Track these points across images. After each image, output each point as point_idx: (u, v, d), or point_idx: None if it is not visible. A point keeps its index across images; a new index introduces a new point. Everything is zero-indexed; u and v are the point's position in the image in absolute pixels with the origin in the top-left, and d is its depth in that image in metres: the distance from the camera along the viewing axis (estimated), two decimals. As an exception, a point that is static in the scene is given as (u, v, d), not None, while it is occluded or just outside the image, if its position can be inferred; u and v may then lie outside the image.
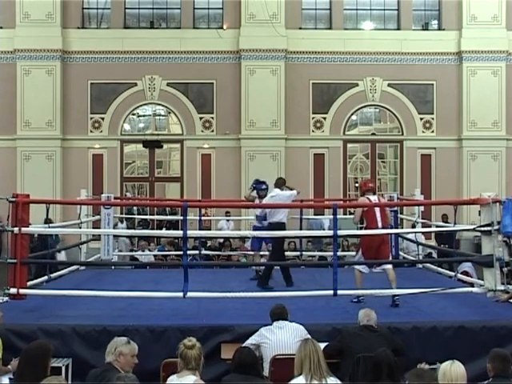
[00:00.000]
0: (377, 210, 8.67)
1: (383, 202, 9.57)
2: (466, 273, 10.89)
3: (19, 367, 4.90)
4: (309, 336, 6.07)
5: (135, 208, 17.63)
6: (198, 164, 19.60)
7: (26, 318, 7.36)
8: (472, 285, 9.26)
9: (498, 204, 7.70)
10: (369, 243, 8.59)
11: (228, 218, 16.76)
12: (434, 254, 14.69)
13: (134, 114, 20.12)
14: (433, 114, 19.87)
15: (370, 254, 8.52)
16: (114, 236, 12.89)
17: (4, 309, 6.86)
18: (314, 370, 4.96)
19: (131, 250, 14.96)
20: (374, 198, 8.98)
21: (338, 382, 5.08)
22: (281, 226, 9.91)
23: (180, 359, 4.94)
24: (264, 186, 11.04)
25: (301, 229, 12.95)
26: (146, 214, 18.18)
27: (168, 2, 20.29)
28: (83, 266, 11.75)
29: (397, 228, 12.29)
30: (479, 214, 7.98)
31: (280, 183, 10.62)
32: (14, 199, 7.69)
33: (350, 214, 11.28)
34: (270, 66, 19.32)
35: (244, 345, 6.18)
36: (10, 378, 5.57)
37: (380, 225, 8.63)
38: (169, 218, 17.05)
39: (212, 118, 19.71)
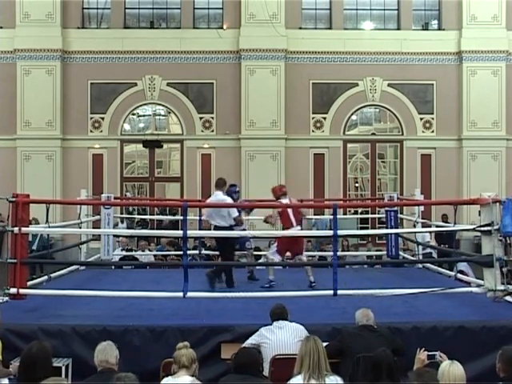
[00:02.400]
0: (289, 211, 9.77)
1: (295, 202, 10.42)
2: (461, 272, 10.90)
3: (21, 372, 4.86)
4: (309, 336, 6.06)
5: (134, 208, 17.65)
6: (198, 164, 19.61)
7: (25, 317, 7.36)
8: (469, 284, 9.27)
9: (498, 204, 7.71)
10: (283, 237, 9.91)
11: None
12: (434, 254, 14.69)
13: (134, 114, 20.12)
14: (433, 114, 19.88)
15: (284, 246, 9.75)
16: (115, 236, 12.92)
17: (4, 309, 6.85)
18: (313, 368, 4.94)
19: (130, 250, 14.96)
20: (285, 201, 9.93)
21: (339, 380, 5.05)
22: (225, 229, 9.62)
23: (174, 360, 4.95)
24: (237, 189, 10.69)
25: (301, 229, 12.91)
26: (146, 214, 18.18)
27: (168, 2, 20.29)
28: (83, 266, 11.75)
29: (397, 228, 12.30)
30: (479, 214, 7.98)
31: (220, 184, 10.08)
32: (14, 199, 7.69)
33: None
34: (269, 66, 19.32)
35: (244, 345, 6.18)
36: (9, 378, 5.56)
37: (294, 223, 9.80)
38: (169, 217, 17.04)
39: (212, 117, 19.71)
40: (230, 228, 9.65)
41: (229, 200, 9.80)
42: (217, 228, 9.76)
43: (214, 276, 9.45)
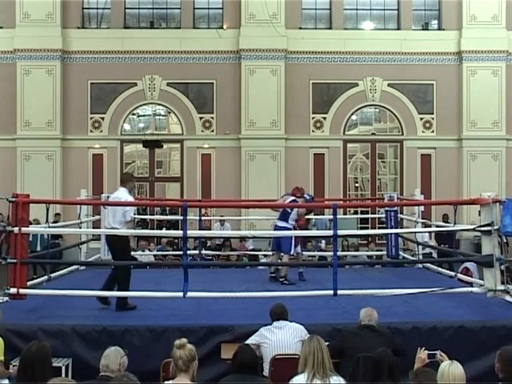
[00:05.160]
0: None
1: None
2: (466, 269, 10.89)
3: (20, 372, 4.85)
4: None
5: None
6: (198, 164, 19.61)
7: (26, 317, 7.36)
8: (471, 284, 9.27)
9: (498, 204, 7.71)
10: None
11: (221, 218, 16.65)
12: (434, 254, 14.70)
13: (134, 114, 20.12)
14: (433, 114, 19.88)
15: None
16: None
17: (4, 309, 6.84)
18: (317, 367, 4.95)
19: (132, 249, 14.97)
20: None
21: (342, 380, 5.07)
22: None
23: (172, 359, 4.88)
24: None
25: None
26: (146, 214, 18.17)
27: (168, 2, 20.29)
28: (83, 266, 11.75)
29: (397, 228, 12.30)
30: (479, 214, 7.98)
31: (124, 179, 8.73)
32: (14, 199, 7.69)
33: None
34: (270, 66, 19.32)
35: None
36: (9, 378, 5.56)
37: None
38: (169, 217, 17.04)
39: (212, 117, 19.71)
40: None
41: (130, 199, 8.51)
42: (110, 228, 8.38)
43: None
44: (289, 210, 10.38)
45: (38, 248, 14.95)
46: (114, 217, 8.18)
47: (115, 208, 8.20)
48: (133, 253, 14.40)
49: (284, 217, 10.44)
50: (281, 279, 10.29)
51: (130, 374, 4.50)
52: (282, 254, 10.51)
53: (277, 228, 10.49)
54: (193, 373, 4.80)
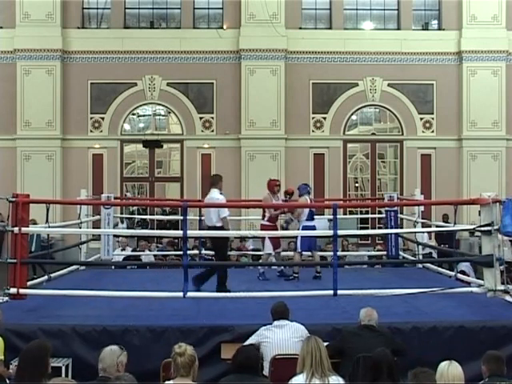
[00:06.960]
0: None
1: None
2: (463, 272, 10.91)
3: (19, 369, 4.85)
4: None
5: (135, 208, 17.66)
6: (197, 164, 19.60)
7: (26, 318, 7.36)
8: (469, 284, 9.28)
9: (498, 204, 7.71)
10: None
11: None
12: (434, 254, 14.70)
13: (134, 114, 20.11)
14: (433, 113, 19.87)
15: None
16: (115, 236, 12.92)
17: (4, 309, 6.85)
18: (316, 367, 4.96)
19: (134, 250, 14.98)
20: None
21: (341, 380, 5.08)
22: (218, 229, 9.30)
23: (173, 363, 4.87)
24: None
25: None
26: (146, 214, 18.18)
27: (168, 2, 20.28)
28: (83, 266, 11.75)
29: (397, 228, 12.30)
30: (479, 214, 7.98)
31: (215, 181, 9.96)
32: (14, 199, 7.69)
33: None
34: (270, 66, 19.31)
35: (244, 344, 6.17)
36: (9, 378, 5.56)
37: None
38: (169, 217, 17.04)
39: (212, 117, 19.70)
40: (220, 228, 9.29)
41: (222, 198, 9.59)
42: (209, 228, 9.50)
43: (201, 279, 9.11)
44: (313, 210, 10.91)
45: (33, 248, 14.92)
46: (213, 216, 9.22)
47: (209, 209, 9.45)
48: (135, 253, 14.50)
49: (312, 216, 10.82)
50: (295, 274, 10.69)
51: (127, 374, 4.49)
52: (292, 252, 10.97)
53: (309, 228, 10.74)
54: (194, 374, 4.81)
